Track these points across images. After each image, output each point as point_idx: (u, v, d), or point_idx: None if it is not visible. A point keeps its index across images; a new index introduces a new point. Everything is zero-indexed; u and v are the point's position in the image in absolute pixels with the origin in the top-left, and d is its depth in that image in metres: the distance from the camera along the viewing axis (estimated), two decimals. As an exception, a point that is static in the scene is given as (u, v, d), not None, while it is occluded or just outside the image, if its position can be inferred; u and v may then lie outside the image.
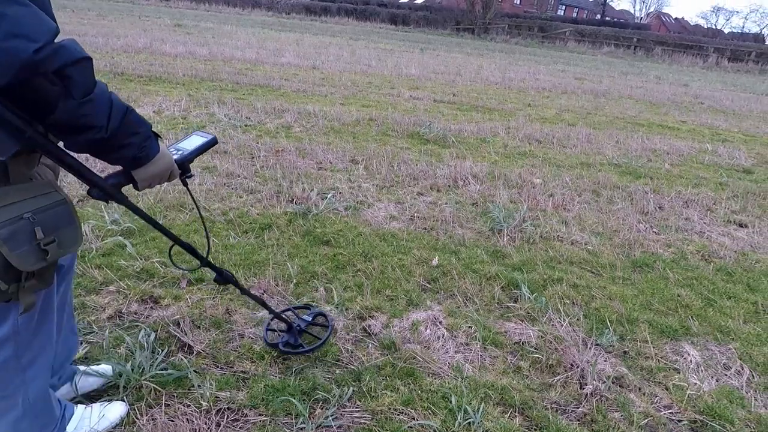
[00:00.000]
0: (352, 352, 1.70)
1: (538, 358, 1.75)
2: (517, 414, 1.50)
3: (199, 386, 1.46)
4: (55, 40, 0.72)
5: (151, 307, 1.81)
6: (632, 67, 17.66)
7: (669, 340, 1.95)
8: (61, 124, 0.78)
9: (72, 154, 0.88)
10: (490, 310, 2.04)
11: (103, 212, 2.46)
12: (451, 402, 1.50)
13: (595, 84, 10.67)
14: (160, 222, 2.58)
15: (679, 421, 1.55)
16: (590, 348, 1.81)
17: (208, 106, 4.94)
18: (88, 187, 0.95)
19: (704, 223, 3.23)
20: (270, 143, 3.91)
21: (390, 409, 1.46)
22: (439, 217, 2.82)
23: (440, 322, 1.91)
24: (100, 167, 2.83)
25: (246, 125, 4.46)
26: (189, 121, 4.44)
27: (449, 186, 3.37)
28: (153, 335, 1.63)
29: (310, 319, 1.72)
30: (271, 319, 1.72)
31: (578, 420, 1.51)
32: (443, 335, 1.84)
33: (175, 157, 1.07)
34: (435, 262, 2.30)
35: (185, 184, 1.13)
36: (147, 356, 1.51)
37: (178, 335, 1.67)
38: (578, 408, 1.55)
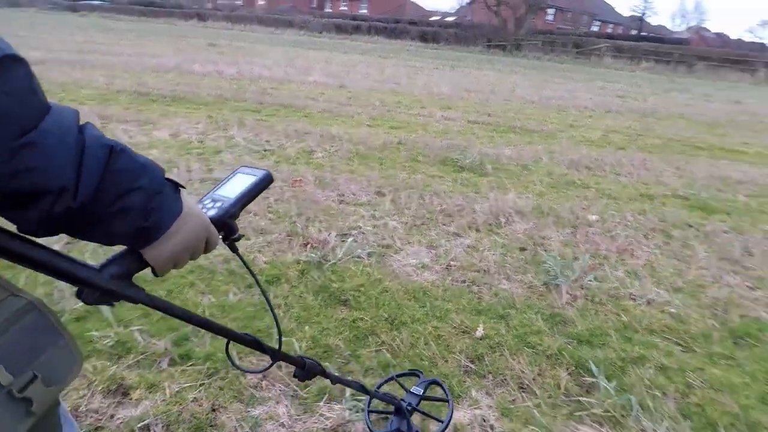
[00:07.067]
0: (371, 476, 1.25)
1: (634, 497, 1.25)
2: None
3: None
4: None
5: (119, 402, 1.41)
6: (674, 83, 16.73)
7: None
8: None
9: (34, 239, 0.49)
10: (556, 405, 1.54)
11: (83, 256, 2.11)
12: None
13: (639, 102, 9.99)
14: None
15: None
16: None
17: (227, 129, 4.66)
18: (75, 288, 0.55)
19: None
20: (288, 171, 3.55)
21: None
22: (481, 267, 2.35)
23: (492, 427, 1.43)
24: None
25: (265, 150, 4.13)
26: (206, 145, 4.15)
27: (490, 225, 2.89)
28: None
29: (420, 391, 1.35)
30: (371, 399, 1.35)
31: None
32: (496, 450, 1.36)
33: (211, 213, 0.66)
34: (480, 332, 1.83)
35: (234, 249, 0.71)
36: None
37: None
38: None
